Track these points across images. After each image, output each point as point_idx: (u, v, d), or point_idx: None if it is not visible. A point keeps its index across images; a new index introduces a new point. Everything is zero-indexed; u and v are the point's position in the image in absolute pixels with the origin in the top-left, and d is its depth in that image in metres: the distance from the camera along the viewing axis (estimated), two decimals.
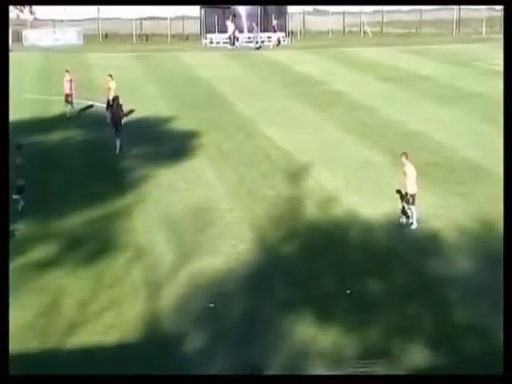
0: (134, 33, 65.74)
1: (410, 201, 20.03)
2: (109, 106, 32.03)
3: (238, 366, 13.38)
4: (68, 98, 34.05)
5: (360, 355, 14.00)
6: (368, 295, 16.42)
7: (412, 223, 20.06)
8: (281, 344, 14.46)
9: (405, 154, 20.43)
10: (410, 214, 20.19)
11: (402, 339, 14.58)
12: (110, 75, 33.73)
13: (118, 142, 27.47)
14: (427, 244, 19.28)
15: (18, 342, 14.29)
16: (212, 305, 15.95)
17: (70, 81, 34.19)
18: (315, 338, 14.63)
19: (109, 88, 32.83)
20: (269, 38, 64.07)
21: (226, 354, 14.19)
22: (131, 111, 33.86)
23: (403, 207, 20.41)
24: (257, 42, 63.51)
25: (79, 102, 36.80)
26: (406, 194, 20.17)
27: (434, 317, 15.38)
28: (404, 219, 20.32)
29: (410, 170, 20.17)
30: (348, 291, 16.49)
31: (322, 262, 18.18)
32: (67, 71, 34.90)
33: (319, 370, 13.45)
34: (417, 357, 13.87)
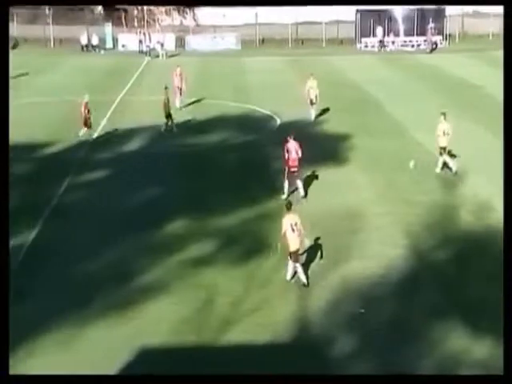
0: (290, 37, 66.49)
1: (441, 152, 25.29)
2: (312, 103, 33.86)
3: (383, 370, 13.44)
4: (181, 92, 36.88)
5: None
6: None
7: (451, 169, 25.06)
8: (430, 351, 14.34)
9: (443, 114, 25.32)
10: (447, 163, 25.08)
11: None
12: (311, 74, 35.16)
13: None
14: None
15: (176, 336, 14.98)
16: (363, 310, 16.02)
17: (181, 75, 37.14)
18: (467, 347, 14.41)
19: (310, 87, 34.07)
20: (425, 41, 63.00)
21: (371, 357, 14.24)
22: (276, 114, 34.52)
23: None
24: (418, 46, 63.13)
25: (217, 104, 37.85)
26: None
27: None
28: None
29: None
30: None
31: (475, 271, 17.84)
32: (178, 66, 38.09)
33: None
34: None
